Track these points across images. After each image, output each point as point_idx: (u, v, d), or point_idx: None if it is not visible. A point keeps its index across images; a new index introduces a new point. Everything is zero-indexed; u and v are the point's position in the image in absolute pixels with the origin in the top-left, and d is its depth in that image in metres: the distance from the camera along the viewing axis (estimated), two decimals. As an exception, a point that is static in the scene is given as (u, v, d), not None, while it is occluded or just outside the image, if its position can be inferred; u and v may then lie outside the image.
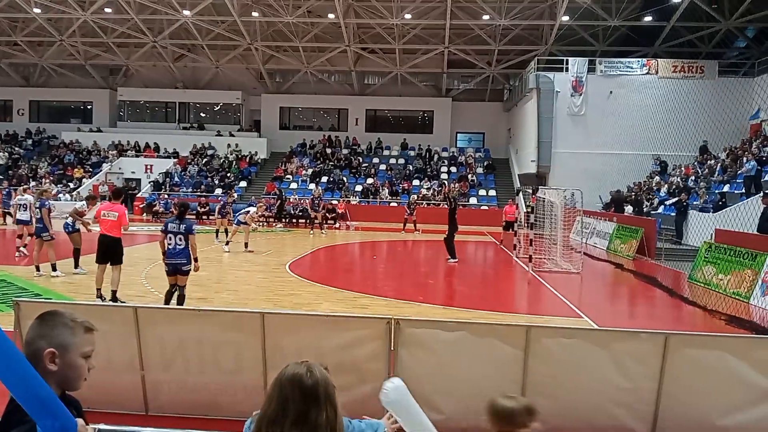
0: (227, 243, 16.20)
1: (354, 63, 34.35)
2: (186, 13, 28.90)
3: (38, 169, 32.40)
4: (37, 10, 29.43)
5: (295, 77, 36.37)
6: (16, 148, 35.11)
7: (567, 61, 27.98)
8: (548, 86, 27.88)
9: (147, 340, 4.91)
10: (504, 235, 19.51)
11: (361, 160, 34.22)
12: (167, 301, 8.04)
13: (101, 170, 31.86)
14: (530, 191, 15.62)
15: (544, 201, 16.37)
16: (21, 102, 37.72)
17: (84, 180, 30.84)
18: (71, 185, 30.32)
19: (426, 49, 32.72)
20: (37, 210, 11.82)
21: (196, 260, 7.88)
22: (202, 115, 38.33)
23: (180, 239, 7.73)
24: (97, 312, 5.07)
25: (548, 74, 28.10)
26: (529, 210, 14.88)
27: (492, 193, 31.31)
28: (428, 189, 30.87)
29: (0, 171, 32.70)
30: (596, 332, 5.17)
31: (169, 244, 7.79)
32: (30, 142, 36.06)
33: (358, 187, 31.49)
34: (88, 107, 38.01)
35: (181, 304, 7.74)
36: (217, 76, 36.59)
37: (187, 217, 8.10)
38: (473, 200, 30.59)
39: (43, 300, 7.74)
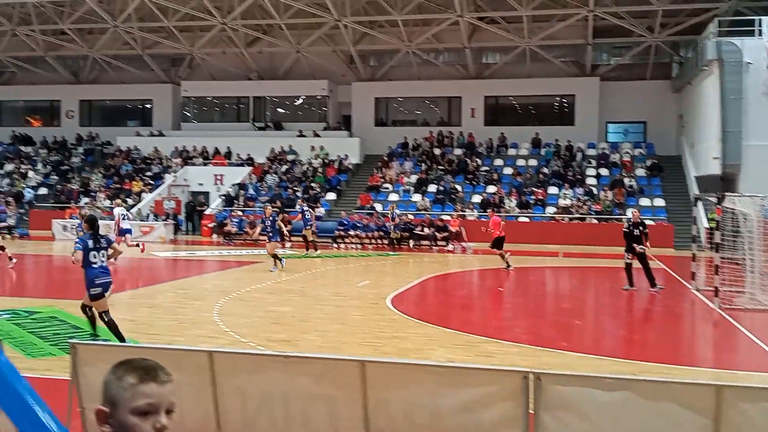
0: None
1: (468, 37, 34.44)
2: (260, -14, 30.37)
3: (90, 183, 35.04)
4: (87, -8, 31.99)
5: (394, 60, 37.01)
6: (66, 160, 38.22)
7: (759, 21, 26.73)
8: (735, 56, 26.66)
9: (225, 393, 5.16)
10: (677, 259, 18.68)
11: (479, 163, 34.12)
12: None
13: (163, 182, 33.88)
14: (714, 200, 14.91)
15: (733, 213, 15.53)
16: (70, 102, 41.15)
17: (143, 194, 32.91)
18: (129, 201, 32.42)
19: (563, 14, 32.20)
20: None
21: None
22: (280, 110, 39.88)
23: None
24: (166, 356, 5.40)
25: (734, 40, 26.89)
26: (713, 226, 14.20)
27: (659, 202, 30.12)
28: (570, 198, 30.22)
29: (45, 184, 35.74)
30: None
31: None
32: (81, 150, 39.14)
33: (477, 198, 31.39)
34: (147, 106, 40.76)
35: None
36: (299, 63, 37.99)
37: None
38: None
39: (101, 342, 8.32)
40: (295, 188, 33.11)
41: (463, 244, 26.52)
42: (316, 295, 14.78)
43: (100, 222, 10.40)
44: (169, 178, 34.04)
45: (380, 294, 14.61)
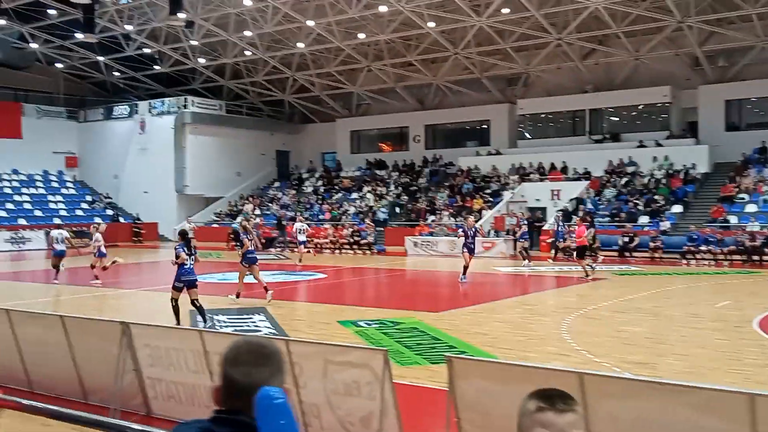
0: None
1: (843, 23, 30.04)
2: (596, -4, 29.77)
3: (436, 202, 37.35)
4: (431, 24, 34.35)
5: (747, 57, 33.63)
6: (414, 181, 41.32)
7: None
8: None
9: (595, 417, 5.04)
10: None
11: None
12: None
13: (501, 199, 34.81)
14: None
15: None
16: (416, 128, 44.37)
17: (483, 212, 34.14)
18: (471, 218, 33.83)
19: None
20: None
21: None
22: (616, 119, 38.60)
23: None
24: (535, 376, 5.46)
25: None
26: None
27: None
28: None
29: (397, 204, 38.95)
30: None
31: None
32: (427, 171, 42.00)
33: None
34: (485, 127, 42.31)
35: None
36: (636, 71, 36.45)
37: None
38: None
39: (475, 358, 8.62)
40: (636, 201, 31.71)
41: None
42: (670, 315, 13.91)
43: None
44: (507, 195, 34.85)
45: (745, 316, 13.24)
